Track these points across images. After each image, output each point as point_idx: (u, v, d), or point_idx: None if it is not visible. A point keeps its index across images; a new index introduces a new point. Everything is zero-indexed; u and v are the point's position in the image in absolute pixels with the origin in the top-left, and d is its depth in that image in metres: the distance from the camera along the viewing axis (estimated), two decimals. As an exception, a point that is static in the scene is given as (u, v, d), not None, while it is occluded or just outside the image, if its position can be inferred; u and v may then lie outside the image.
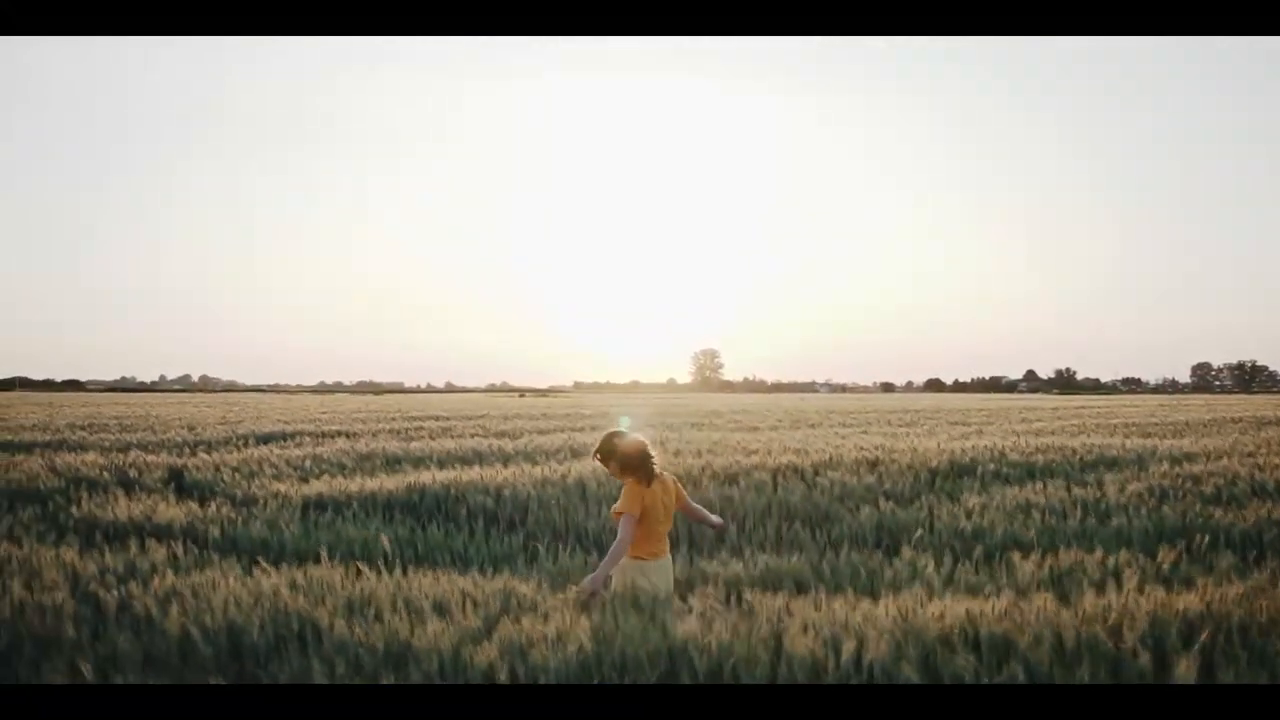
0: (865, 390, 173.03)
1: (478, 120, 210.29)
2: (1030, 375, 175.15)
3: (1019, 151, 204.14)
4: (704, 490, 9.53)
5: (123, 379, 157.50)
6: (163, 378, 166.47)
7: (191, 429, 19.21)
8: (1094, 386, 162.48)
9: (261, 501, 9.37)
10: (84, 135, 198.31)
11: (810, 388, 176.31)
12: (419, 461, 12.80)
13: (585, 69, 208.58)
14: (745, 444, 14.14)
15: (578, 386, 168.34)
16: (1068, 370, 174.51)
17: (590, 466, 10.69)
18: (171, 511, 8.77)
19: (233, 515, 8.74)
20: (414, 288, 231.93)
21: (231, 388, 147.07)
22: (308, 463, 12.41)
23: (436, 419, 23.73)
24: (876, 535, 8.25)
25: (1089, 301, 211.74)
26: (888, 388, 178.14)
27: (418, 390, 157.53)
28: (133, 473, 11.40)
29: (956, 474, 10.71)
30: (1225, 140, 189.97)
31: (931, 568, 6.33)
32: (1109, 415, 26.65)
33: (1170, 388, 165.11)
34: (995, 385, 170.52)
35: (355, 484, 10.22)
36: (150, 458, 12.85)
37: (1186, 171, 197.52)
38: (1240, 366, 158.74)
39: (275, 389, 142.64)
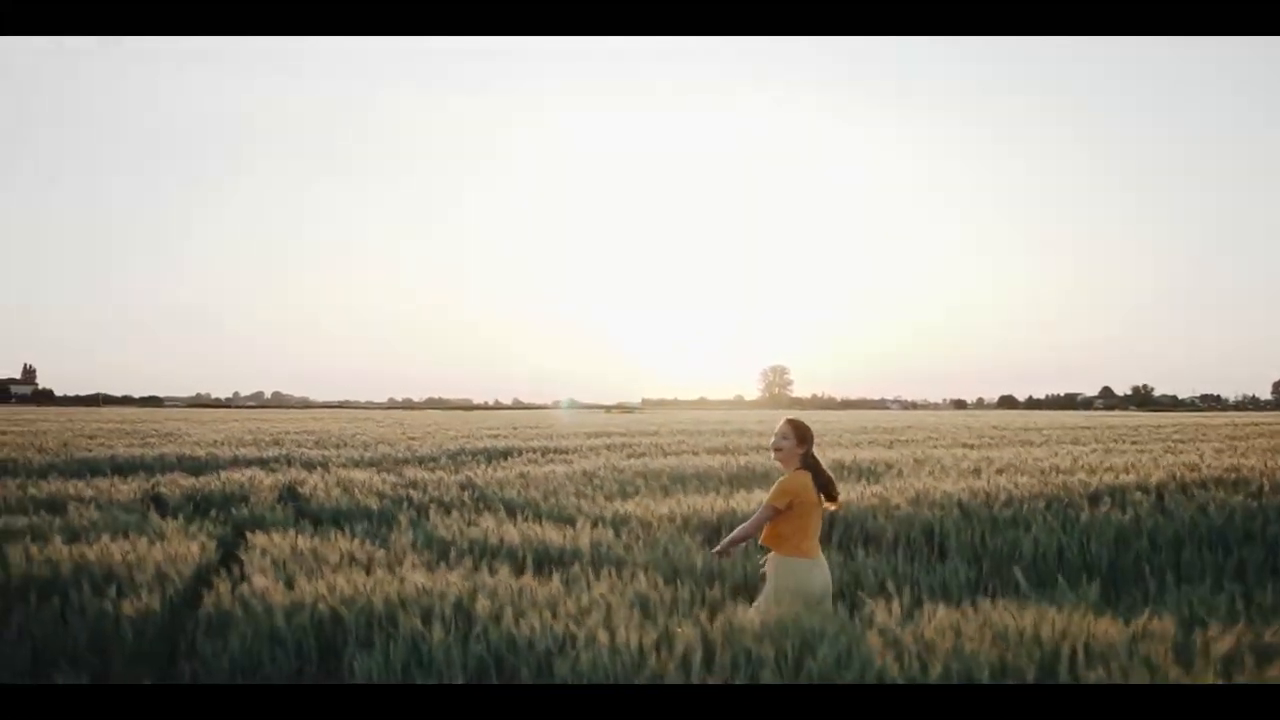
0: (936, 407, 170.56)
1: (537, 142, 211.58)
2: (1106, 392, 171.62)
3: (1094, 167, 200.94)
4: (1086, 511, 8.70)
5: (198, 395, 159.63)
6: (237, 394, 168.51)
7: (391, 445, 18.69)
8: (1172, 403, 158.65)
9: (634, 522, 8.65)
10: (149, 151, 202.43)
11: (881, 404, 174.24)
12: (705, 480, 12.10)
13: (643, 91, 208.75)
14: (1020, 462, 13.29)
15: (645, 403, 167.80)
16: (1145, 387, 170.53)
17: (950, 487, 9.94)
18: (547, 534, 8.08)
19: (618, 539, 8.03)
20: (475, 305, 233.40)
21: (306, 404, 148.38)
22: (596, 480, 11.75)
23: (623, 434, 23.07)
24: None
25: (1163, 317, 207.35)
26: (959, 405, 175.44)
27: (485, 407, 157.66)
28: (434, 491, 10.77)
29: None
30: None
31: None
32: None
33: (1251, 404, 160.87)
34: (1070, 402, 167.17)
35: (712, 502, 9.46)
36: (427, 474, 12.25)
37: (1266, 178, 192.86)
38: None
39: (345, 405, 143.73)
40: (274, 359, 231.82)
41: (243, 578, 5.98)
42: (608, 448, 17.95)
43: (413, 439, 20.64)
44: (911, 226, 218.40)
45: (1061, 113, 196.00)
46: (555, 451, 16.95)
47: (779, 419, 5.61)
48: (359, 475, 11.70)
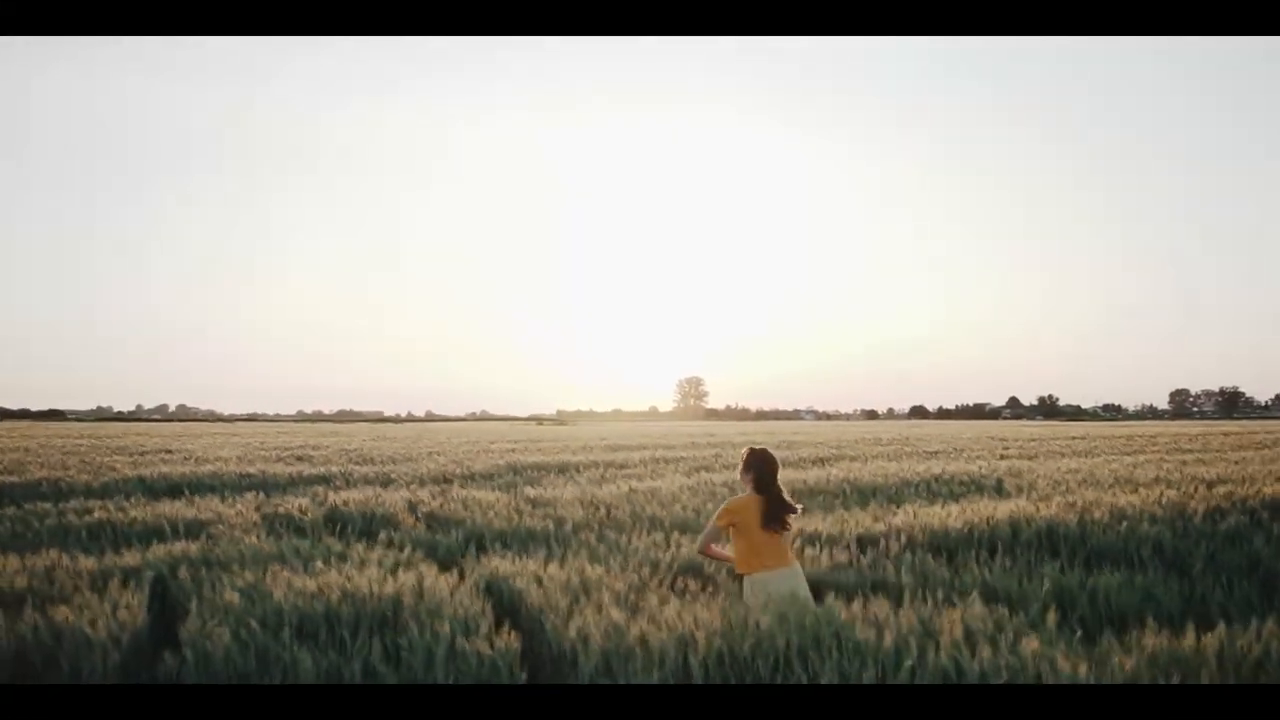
0: (848, 417, 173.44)
1: (462, 152, 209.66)
2: (1013, 402, 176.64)
3: (1002, 183, 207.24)
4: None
5: (99, 408, 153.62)
6: (140, 407, 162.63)
7: (428, 460, 17.98)
8: (1075, 413, 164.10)
9: (881, 541, 8.16)
10: (71, 159, 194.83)
11: (795, 415, 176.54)
12: (839, 495, 11.79)
13: (575, 101, 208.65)
14: (1134, 475, 13.32)
15: (562, 414, 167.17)
16: (1050, 397, 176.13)
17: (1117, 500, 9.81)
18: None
19: (864, 557, 7.63)
20: (390, 318, 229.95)
21: (214, 417, 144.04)
22: (719, 495, 11.33)
23: (641, 447, 22.63)
24: None
25: (1062, 329, 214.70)
26: (871, 415, 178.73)
27: (398, 419, 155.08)
28: (569, 509, 10.16)
29: None
30: (1206, 165, 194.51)
31: None
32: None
33: (1149, 414, 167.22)
34: (979, 412, 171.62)
35: (875, 514, 9.11)
36: (543, 492, 11.67)
37: (1161, 197, 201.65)
38: (1223, 392, 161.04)
39: (255, 418, 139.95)
40: (175, 371, 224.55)
41: (556, 609, 5.45)
42: (656, 460, 17.57)
43: (435, 453, 19.92)
44: (820, 244, 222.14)
45: (987, 138, 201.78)
46: (612, 466, 16.49)
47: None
48: (481, 495, 11.09)
